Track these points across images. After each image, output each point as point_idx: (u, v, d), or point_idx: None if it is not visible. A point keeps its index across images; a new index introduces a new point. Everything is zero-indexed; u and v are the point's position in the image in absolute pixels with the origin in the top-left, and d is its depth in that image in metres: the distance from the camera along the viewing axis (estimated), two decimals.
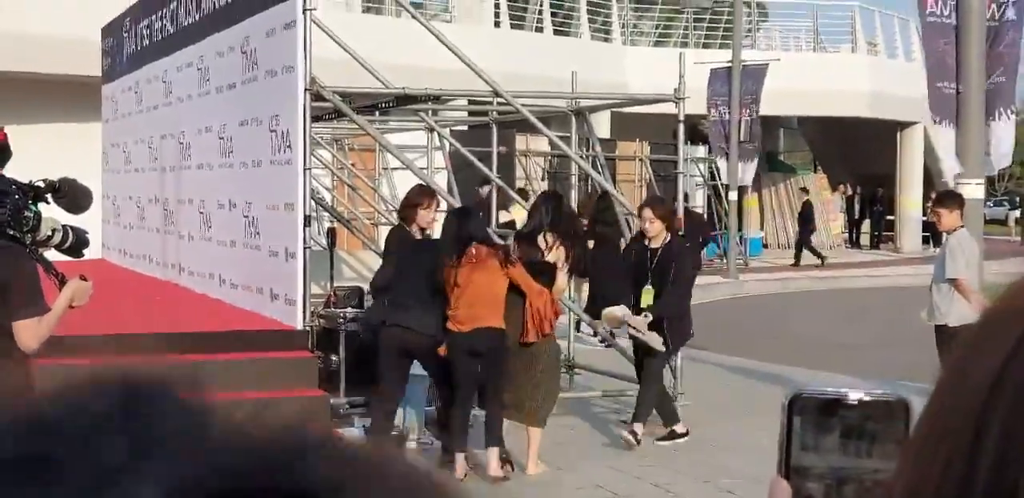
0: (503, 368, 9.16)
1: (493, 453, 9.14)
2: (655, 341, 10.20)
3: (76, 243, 5.95)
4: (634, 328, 10.24)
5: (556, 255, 9.86)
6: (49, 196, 5.85)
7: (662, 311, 10.27)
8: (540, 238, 9.95)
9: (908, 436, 0.81)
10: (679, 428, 10.61)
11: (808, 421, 0.86)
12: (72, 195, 5.95)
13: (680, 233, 11.39)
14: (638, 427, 10.28)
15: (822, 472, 0.86)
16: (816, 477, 0.86)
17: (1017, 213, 48.42)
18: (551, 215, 10.10)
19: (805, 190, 33.12)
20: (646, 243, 10.41)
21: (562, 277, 9.91)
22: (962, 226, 10.67)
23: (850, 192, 39.35)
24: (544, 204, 10.37)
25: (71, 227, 5.93)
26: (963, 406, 0.67)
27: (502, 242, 10.21)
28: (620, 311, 10.28)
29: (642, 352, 10.48)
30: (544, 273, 9.63)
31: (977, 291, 10.56)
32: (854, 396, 0.86)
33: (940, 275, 10.70)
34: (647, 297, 10.31)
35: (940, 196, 11.34)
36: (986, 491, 0.64)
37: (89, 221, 6.36)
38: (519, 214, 16.17)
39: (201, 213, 13.41)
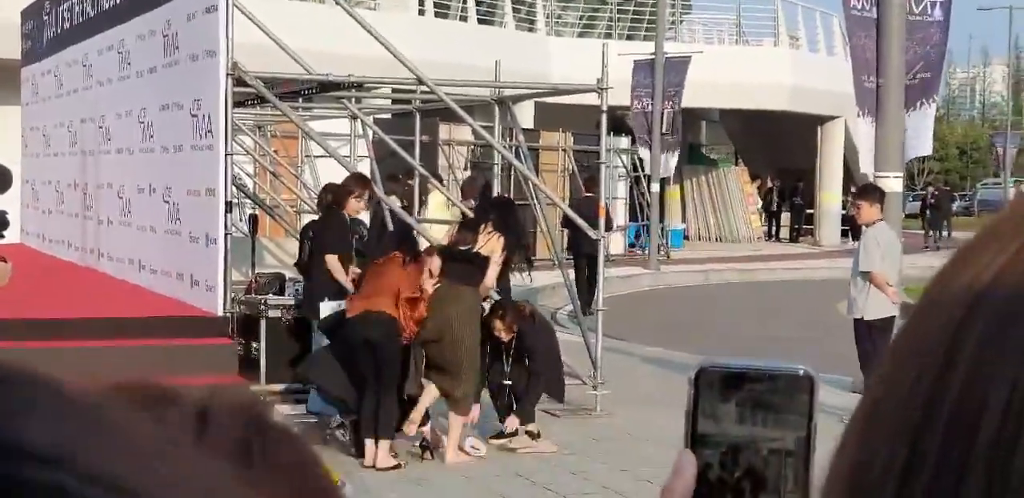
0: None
1: (383, 444, 9.12)
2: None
3: None
4: None
5: (490, 247, 9.86)
6: None
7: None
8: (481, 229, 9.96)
9: (812, 408, 0.83)
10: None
11: (714, 394, 0.86)
12: None
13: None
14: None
15: (724, 442, 0.86)
16: (718, 447, 0.86)
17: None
18: (500, 213, 10.15)
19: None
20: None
21: (492, 270, 9.91)
22: (881, 219, 10.80)
23: (769, 185, 39.68)
24: (497, 204, 10.52)
25: None
26: (942, 319, 0.67)
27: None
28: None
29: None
30: (470, 262, 9.66)
31: (892, 284, 10.68)
32: (759, 369, 0.86)
33: (857, 269, 10.82)
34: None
35: (861, 189, 11.44)
36: (953, 405, 0.64)
37: (8, 205, 6.29)
38: (437, 199, 16.14)
39: (121, 198, 13.29)
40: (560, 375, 10.53)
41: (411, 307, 9.23)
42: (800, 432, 0.85)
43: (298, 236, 13.40)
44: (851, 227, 38.07)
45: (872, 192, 11.09)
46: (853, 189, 37.40)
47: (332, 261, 10.21)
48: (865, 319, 10.64)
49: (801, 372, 0.86)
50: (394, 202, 12.48)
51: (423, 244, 10.18)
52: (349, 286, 10.00)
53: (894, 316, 10.68)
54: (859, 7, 13.39)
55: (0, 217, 5.98)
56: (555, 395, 10.47)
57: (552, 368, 10.33)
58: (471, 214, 11.59)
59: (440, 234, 12.53)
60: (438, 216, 15.88)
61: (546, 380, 10.13)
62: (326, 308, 9.91)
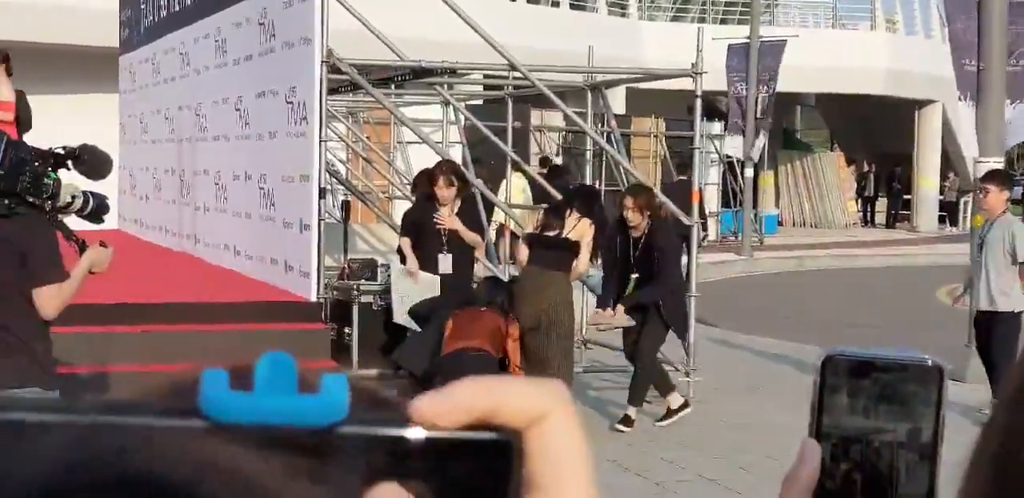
0: None
1: None
2: (621, 320, 10.16)
3: (96, 209, 5.96)
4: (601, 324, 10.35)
5: (580, 232, 9.85)
6: (69, 163, 5.86)
7: (642, 300, 10.17)
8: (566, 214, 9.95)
9: (940, 399, 0.83)
10: (674, 402, 10.36)
11: (840, 383, 0.86)
12: (92, 162, 5.97)
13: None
14: (632, 411, 10.25)
15: (852, 434, 0.86)
16: (846, 439, 0.86)
17: None
18: (584, 200, 10.15)
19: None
20: (629, 232, 10.18)
21: (585, 256, 9.90)
22: (1007, 210, 10.33)
23: (865, 169, 39.26)
24: (580, 191, 10.76)
25: (91, 193, 5.94)
26: None
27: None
28: (600, 318, 10.31)
29: (632, 337, 10.42)
30: (561, 249, 9.66)
31: None
32: (887, 359, 0.86)
33: (992, 259, 10.37)
34: (632, 288, 10.27)
35: (990, 173, 10.86)
36: None
37: (106, 191, 6.37)
38: (514, 184, 16.12)
39: (217, 184, 13.42)
40: (683, 300, 10.48)
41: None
42: (928, 424, 0.84)
43: (392, 222, 13.48)
44: (948, 213, 37.70)
45: (1002, 177, 10.61)
46: (951, 174, 37.03)
47: (404, 242, 10.34)
48: (1016, 311, 10.25)
49: (930, 362, 0.85)
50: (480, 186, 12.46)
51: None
52: (414, 264, 10.10)
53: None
54: None
55: (101, 202, 6.03)
56: (679, 331, 10.41)
57: (677, 289, 10.31)
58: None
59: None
60: (514, 200, 15.92)
61: (669, 311, 10.12)
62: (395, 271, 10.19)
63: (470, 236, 9.90)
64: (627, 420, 10.13)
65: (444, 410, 0.56)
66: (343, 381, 0.56)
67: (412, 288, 10.14)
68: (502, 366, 9.11)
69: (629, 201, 10.04)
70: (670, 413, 10.26)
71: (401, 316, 10.19)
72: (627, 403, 10.32)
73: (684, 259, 11.29)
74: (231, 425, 0.55)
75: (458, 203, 10.30)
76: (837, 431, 0.86)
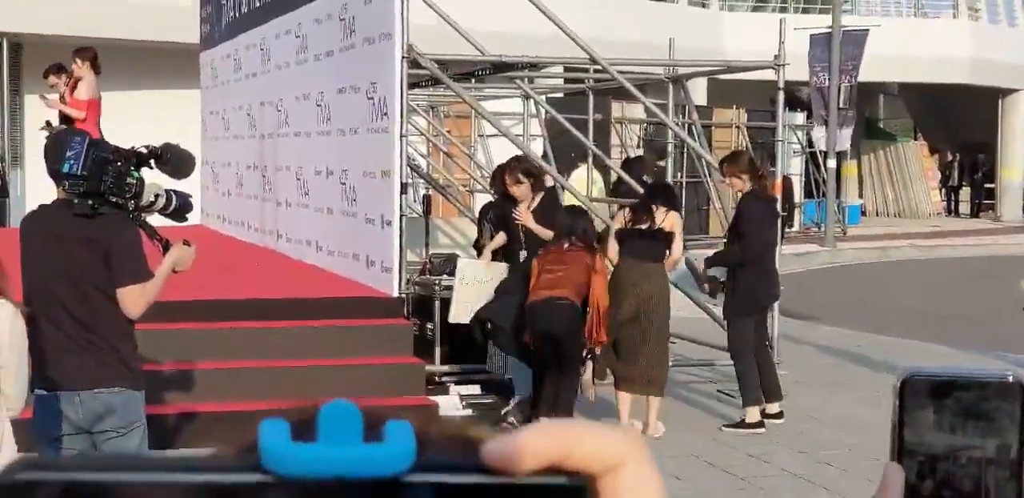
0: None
1: None
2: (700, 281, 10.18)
3: (180, 207, 5.99)
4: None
5: (671, 222, 9.83)
6: (152, 162, 5.90)
7: (710, 261, 10.33)
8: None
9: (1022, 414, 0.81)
10: (751, 416, 9.96)
11: (921, 404, 0.84)
12: (174, 161, 6.00)
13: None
14: (746, 411, 10.01)
15: (936, 454, 0.84)
16: (931, 459, 0.84)
17: None
18: (665, 196, 10.16)
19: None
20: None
21: (678, 244, 9.88)
22: None
23: (949, 159, 38.82)
24: (658, 187, 10.79)
25: (174, 191, 5.97)
26: None
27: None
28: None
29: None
30: (656, 240, 9.71)
31: None
32: (967, 377, 0.84)
33: None
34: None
35: None
36: None
37: (189, 187, 6.40)
38: (578, 176, 16.03)
39: (298, 180, 13.48)
40: (757, 278, 10.26)
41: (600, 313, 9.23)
42: (1013, 440, 0.83)
43: (473, 216, 13.49)
44: None
45: None
46: None
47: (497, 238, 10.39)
48: None
49: (1011, 378, 0.84)
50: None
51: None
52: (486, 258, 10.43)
53: None
54: None
55: (184, 201, 6.06)
56: (743, 307, 10.19)
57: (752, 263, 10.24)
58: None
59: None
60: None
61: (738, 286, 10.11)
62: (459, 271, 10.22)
63: (544, 233, 9.86)
64: (741, 422, 9.99)
65: (515, 455, 0.55)
66: (407, 428, 0.56)
67: (471, 290, 10.18)
68: (585, 310, 9.17)
69: (729, 169, 10.14)
70: (742, 425, 9.96)
71: (458, 317, 10.25)
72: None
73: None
74: (296, 478, 0.55)
75: (538, 198, 10.27)
76: (922, 448, 0.84)
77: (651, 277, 9.62)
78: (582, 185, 15.44)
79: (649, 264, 9.63)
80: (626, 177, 13.50)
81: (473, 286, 10.26)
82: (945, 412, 0.84)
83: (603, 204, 14.67)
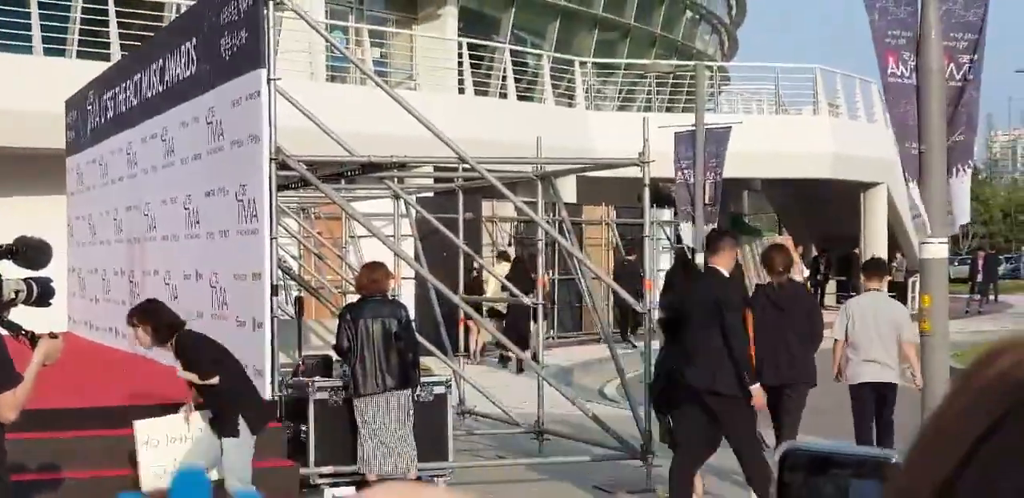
0: None
1: None
2: None
3: (41, 293, 5.92)
4: None
5: None
6: (9, 258, 5.83)
7: None
8: None
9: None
10: None
11: (800, 478, 0.84)
12: (30, 253, 5.93)
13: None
14: None
15: None
16: None
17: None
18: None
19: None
20: None
21: None
22: None
23: (814, 253, 39.50)
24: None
25: (32, 279, 5.91)
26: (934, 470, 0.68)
27: None
28: None
29: None
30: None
31: None
32: (847, 454, 0.85)
33: None
34: None
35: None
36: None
37: (55, 295, 6.30)
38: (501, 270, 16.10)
39: (167, 284, 13.33)
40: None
41: None
42: None
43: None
44: (896, 293, 37.86)
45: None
46: (898, 255, 37.31)
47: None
48: None
49: (893, 459, 0.84)
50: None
51: None
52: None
53: None
54: (897, 74, 13.38)
55: (45, 286, 5.98)
56: None
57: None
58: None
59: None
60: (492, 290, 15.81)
61: None
62: None
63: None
64: None
65: None
66: (255, 494, 0.57)
67: (160, 453, 9.05)
68: None
69: None
70: None
71: (149, 483, 8.83)
72: None
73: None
74: None
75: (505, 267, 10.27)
76: None
77: None
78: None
79: None
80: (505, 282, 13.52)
81: (162, 448, 9.07)
82: (823, 488, 0.84)
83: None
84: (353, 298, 12.53)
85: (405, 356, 10.54)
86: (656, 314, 11.64)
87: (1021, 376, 0.68)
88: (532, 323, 22.06)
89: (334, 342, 10.95)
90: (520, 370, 19.82)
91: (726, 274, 9.59)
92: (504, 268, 21.78)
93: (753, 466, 9.32)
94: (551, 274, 19.97)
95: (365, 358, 10.40)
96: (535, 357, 21.56)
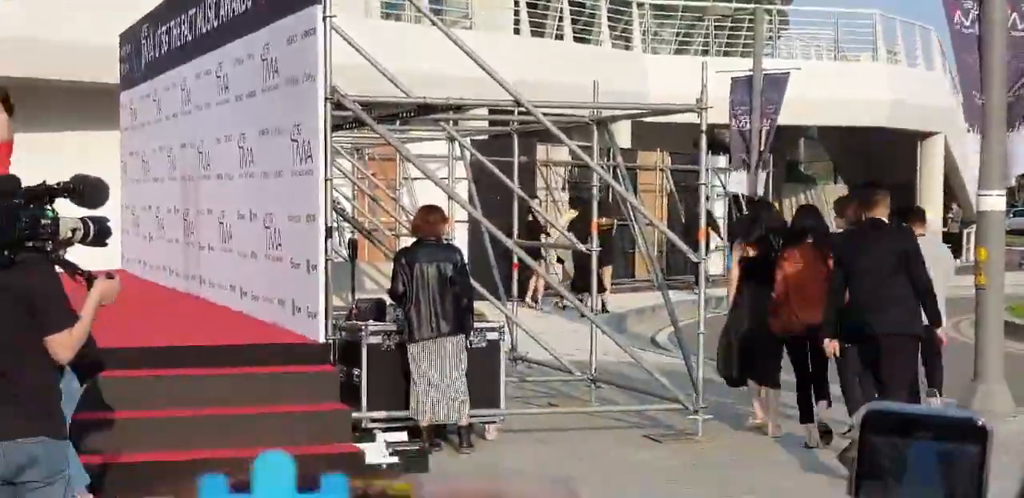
0: None
1: None
2: None
3: (99, 233, 5.90)
4: None
5: None
6: (66, 196, 5.80)
7: None
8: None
9: (984, 459, 0.81)
10: None
11: (884, 440, 0.83)
12: (88, 192, 5.90)
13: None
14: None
15: (894, 492, 0.82)
16: (884, 493, 0.83)
17: None
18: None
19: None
20: None
21: None
22: None
23: None
24: (763, 209, 12.51)
25: (90, 218, 5.88)
26: None
27: None
28: None
29: None
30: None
31: None
32: (931, 415, 0.83)
33: None
34: None
35: None
36: None
37: (111, 235, 6.25)
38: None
39: (221, 224, 13.29)
40: None
41: None
42: (969, 483, 0.81)
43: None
44: (951, 244, 37.56)
45: None
46: (954, 206, 36.97)
47: None
48: None
49: (979, 422, 0.83)
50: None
51: None
52: None
53: None
54: (961, 24, 13.15)
55: (102, 226, 5.95)
56: None
57: None
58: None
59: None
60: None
61: None
62: None
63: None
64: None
65: None
66: (342, 481, 0.58)
67: None
68: None
69: None
70: None
71: None
72: None
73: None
74: None
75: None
76: (878, 488, 0.83)
77: None
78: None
79: None
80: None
81: None
82: (904, 450, 0.82)
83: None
84: (407, 241, 12.50)
85: (460, 301, 10.51)
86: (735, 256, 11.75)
87: None
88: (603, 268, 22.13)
89: (388, 286, 10.91)
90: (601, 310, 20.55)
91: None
92: (574, 215, 21.81)
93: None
94: (605, 218, 19.83)
95: (420, 302, 10.35)
96: (603, 305, 21.72)
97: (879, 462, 0.82)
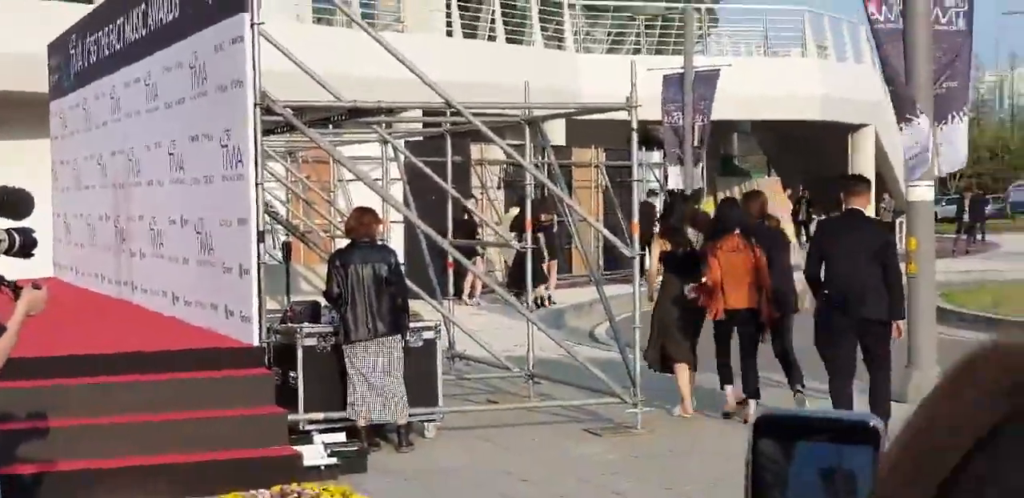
0: None
1: None
2: None
3: (23, 244, 5.86)
4: None
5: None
6: None
7: None
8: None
9: (876, 460, 0.80)
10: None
11: (775, 443, 0.83)
12: (11, 202, 5.87)
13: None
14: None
15: (786, 492, 0.83)
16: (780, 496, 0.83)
17: None
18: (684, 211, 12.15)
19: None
20: None
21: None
22: None
23: (800, 193, 39.54)
24: (678, 202, 12.71)
25: (14, 229, 5.84)
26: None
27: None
28: None
29: None
30: (697, 261, 11.52)
31: None
32: (823, 420, 0.83)
33: None
34: None
35: None
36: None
37: (40, 239, 6.24)
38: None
39: (152, 230, 13.27)
40: None
41: None
42: (864, 484, 0.81)
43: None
44: None
45: None
46: (885, 196, 37.36)
47: None
48: None
49: (871, 423, 0.84)
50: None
51: None
52: None
53: None
54: (882, 19, 13.30)
55: (27, 237, 5.92)
56: None
57: None
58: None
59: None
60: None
61: None
62: None
63: None
64: None
65: None
66: None
67: None
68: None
69: None
70: None
71: None
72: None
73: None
74: None
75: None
76: (773, 492, 0.83)
77: None
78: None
79: None
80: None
81: None
82: (796, 453, 0.82)
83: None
84: (342, 243, 12.52)
85: (395, 301, 10.56)
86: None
87: (1006, 386, 0.65)
88: (546, 262, 22.24)
89: (324, 288, 10.94)
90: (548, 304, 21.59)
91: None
92: (516, 212, 21.89)
93: (887, 385, 10.41)
94: (543, 216, 19.92)
95: (356, 304, 10.39)
96: (548, 299, 21.88)
97: (773, 468, 0.84)
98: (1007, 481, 0.64)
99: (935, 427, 0.68)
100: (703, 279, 11.48)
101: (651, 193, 29.92)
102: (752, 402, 11.39)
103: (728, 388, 11.82)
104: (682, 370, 11.89)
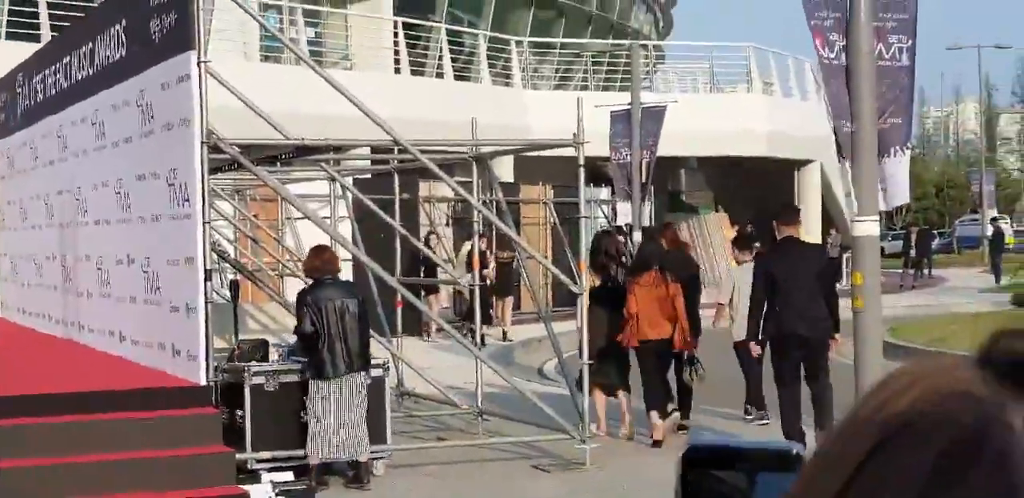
0: None
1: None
2: None
3: None
4: None
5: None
6: None
7: None
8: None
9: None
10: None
11: (704, 473, 0.84)
12: None
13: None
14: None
15: None
16: None
17: None
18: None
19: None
20: None
21: None
22: None
23: (748, 230, 39.75)
24: (604, 239, 13.59)
25: None
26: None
27: None
28: None
29: None
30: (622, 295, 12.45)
31: None
32: (749, 450, 0.85)
33: None
34: None
35: None
36: None
37: None
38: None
39: (99, 269, 13.19)
40: None
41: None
42: None
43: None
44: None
45: None
46: (832, 231, 37.64)
47: None
48: None
49: (794, 451, 0.86)
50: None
51: None
52: None
53: None
54: (827, 56, 13.43)
55: None
56: None
57: None
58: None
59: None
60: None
61: None
62: None
63: None
64: None
65: None
66: None
67: None
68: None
69: None
70: None
71: None
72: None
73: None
74: None
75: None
76: None
77: None
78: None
79: None
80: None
81: None
82: (724, 481, 0.84)
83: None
84: (291, 281, 12.51)
85: (364, 337, 10.63)
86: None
87: (895, 409, 0.68)
88: (498, 299, 22.26)
89: (295, 326, 10.90)
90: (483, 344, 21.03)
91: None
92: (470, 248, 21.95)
93: (829, 390, 11.44)
94: (490, 253, 19.95)
95: (333, 341, 10.42)
96: (504, 336, 21.94)
97: (703, 496, 0.85)
98: None
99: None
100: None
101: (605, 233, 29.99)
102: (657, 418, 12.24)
103: (653, 414, 12.37)
104: (598, 394, 12.55)
